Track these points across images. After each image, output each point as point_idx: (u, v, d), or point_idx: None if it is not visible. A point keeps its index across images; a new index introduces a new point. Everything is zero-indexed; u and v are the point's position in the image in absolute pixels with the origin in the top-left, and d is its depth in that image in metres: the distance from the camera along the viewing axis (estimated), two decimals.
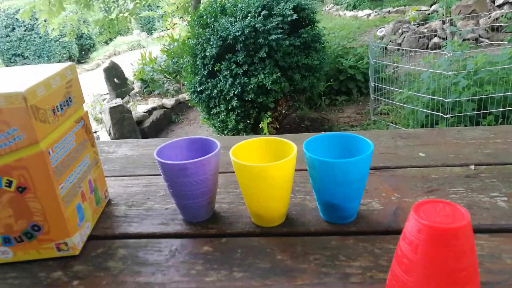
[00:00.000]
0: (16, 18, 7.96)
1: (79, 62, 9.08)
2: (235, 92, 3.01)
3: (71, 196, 0.55)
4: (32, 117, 0.48)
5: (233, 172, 0.74)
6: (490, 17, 5.12)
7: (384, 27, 6.14)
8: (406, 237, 0.39)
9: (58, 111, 0.54)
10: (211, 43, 3.04)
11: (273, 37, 2.94)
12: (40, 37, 8.43)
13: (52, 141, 0.52)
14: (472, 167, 0.71)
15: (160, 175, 0.77)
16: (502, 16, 5.05)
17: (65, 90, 0.57)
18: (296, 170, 0.59)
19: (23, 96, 0.47)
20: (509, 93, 2.68)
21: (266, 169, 0.54)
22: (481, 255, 0.50)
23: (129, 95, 5.10)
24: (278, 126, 3.42)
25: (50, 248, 0.54)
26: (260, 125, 3.17)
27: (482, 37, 4.84)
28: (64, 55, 8.76)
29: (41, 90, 0.50)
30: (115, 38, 10.04)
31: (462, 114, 2.77)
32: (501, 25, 4.91)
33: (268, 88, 3.01)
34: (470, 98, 2.75)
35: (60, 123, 0.54)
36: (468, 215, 0.37)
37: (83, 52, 9.46)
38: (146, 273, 0.52)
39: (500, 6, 5.52)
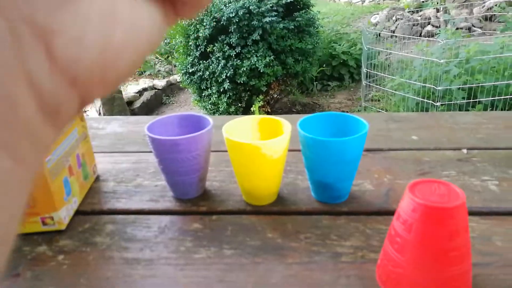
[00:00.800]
0: None
1: None
2: (227, 75, 2.98)
3: (58, 170, 0.53)
4: None
5: (225, 151, 0.73)
6: (484, 6, 5.12)
7: (378, 14, 6.11)
8: (400, 216, 0.39)
9: None
10: (204, 23, 2.99)
11: (267, 19, 2.90)
12: None
13: None
14: (465, 151, 0.71)
15: (150, 152, 0.75)
16: (495, 5, 5.06)
17: None
18: (288, 150, 0.58)
19: None
20: (499, 83, 2.70)
21: (259, 146, 0.53)
22: (472, 237, 0.50)
23: None
24: (269, 110, 3.41)
25: (35, 222, 0.53)
26: (252, 109, 3.15)
27: (475, 26, 4.85)
28: None
29: None
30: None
31: (452, 102, 2.79)
32: (494, 15, 4.91)
33: (261, 71, 2.98)
34: (460, 86, 2.76)
35: None
36: (463, 195, 0.37)
37: None
38: (134, 249, 0.51)
39: None
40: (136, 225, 0.55)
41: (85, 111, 4.14)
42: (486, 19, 4.95)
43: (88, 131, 0.66)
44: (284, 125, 0.58)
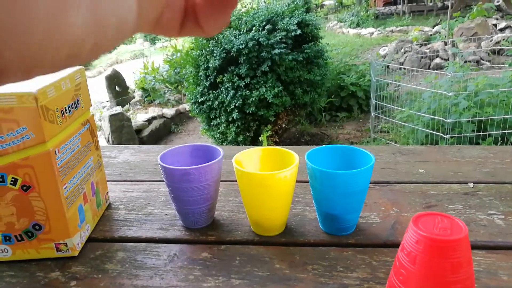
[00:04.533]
0: None
1: None
2: (236, 104, 3.03)
3: (74, 197, 0.55)
4: (42, 117, 0.49)
5: (235, 181, 0.75)
6: (491, 40, 5.18)
7: (386, 46, 6.21)
8: (405, 248, 0.40)
9: (66, 112, 0.55)
10: (214, 54, 3.07)
11: (276, 51, 2.97)
12: None
13: (59, 142, 0.52)
14: (471, 185, 0.71)
15: (161, 181, 0.77)
16: (503, 39, 5.12)
17: (74, 93, 0.58)
18: (296, 181, 0.60)
19: (34, 96, 0.48)
20: (509, 116, 2.70)
21: (268, 177, 0.54)
22: (478, 271, 0.50)
23: (129, 104, 5.12)
24: (277, 140, 3.44)
25: (49, 248, 0.55)
26: (260, 138, 3.18)
27: (483, 60, 4.89)
28: None
29: (51, 92, 0.51)
30: (118, 46, 10.10)
31: (462, 135, 2.79)
32: (502, 49, 4.96)
33: (269, 101, 3.03)
34: (470, 119, 2.77)
35: (68, 124, 0.55)
36: (466, 228, 0.38)
37: None
38: (144, 276, 0.52)
39: (502, 30, 5.60)
40: (147, 253, 0.57)
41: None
42: (494, 52, 5.00)
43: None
44: (293, 156, 0.59)
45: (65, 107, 0.54)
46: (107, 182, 0.77)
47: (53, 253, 0.55)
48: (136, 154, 0.91)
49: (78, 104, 0.59)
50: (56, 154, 0.51)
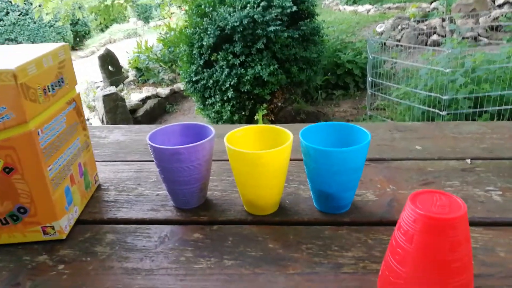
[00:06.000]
0: (10, 2, 7.83)
1: (73, 49, 8.94)
2: (231, 83, 2.99)
3: (60, 179, 0.54)
4: (22, 95, 0.46)
5: (227, 160, 0.73)
6: (490, 16, 5.12)
7: (383, 23, 6.12)
8: (401, 227, 0.38)
9: (49, 91, 0.52)
10: (208, 32, 3.01)
11: (272, 28, 2.92)
12: (35, 22, 8.30)
13: (42, 122, 0.50)
14: (468, 161, 0.70)
15: (152, 161, 0.75)
16: (502, 15, 5.05)
17: (57, 71, 0.55)
18: (290, 159, 0.58)
19: (13, 74, 0.45)
20: (505, 92, 2.69)
21: (261, 156, 0.53)
22: (475, 247, 0.49)
23: (123, 83, 5.05)
24: (273, 119, 3.41)
25: (36, 231, 0.53)
26: (255, 117, 3.16)
27: (481, 36, 4.84)
28: (58, 41, 8.64)
29: (32, 69, 0.49)
30: (111, 25, 9.91)
31: (458, 111, 2.78)
32: (500, 25, 4.90)
33: (265, 80, 2.99)
34: (467, 96, 2.75)
35: (51, 103, 0.53)
36: (464, 206, 0.36)
37: (77, 39, 9.32)
38: (134, 258, 0.51)
39: (500, 6, 5.51)
40: (137, 235, 0.55)
41: (88, 119, 4.17)
42: (492, 28, 4.94)
43: (90, 140, 0.66)
44: (287, 134, 0.58)
45: (48, 86, 0.52)
46: (97, 163, 0.75)
47: (40, 237, 0.54)
48: (126, 134, 0.88)
49: (63, 82, 0.56)
50: (39, 134, 0.49)
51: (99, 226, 0.58)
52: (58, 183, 0.53)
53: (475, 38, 4.80)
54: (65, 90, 0.57)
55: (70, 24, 8.52)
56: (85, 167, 0.63)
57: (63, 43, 0.58)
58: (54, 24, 8.25)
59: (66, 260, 0.51)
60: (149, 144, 0.57)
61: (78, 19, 8.67)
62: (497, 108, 2.72)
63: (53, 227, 0.53)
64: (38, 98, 0.50)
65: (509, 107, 2.70)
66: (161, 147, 0.55)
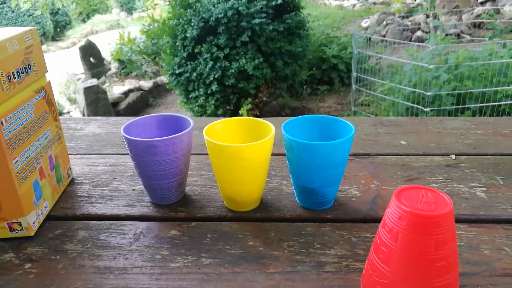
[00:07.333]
0: None
1: (53, 39, 8.73)
2: (215, 76, 2.95)
3: (27, 172, 0.50)
4: None
5: (207, 154, 0.70)
6: (472, 13, 5.17)
7: (369, 18, 6.14)
8: (386, 224, 0.37)
9: (14, 78, 0.49)
10: (192, 24, 2.96)
11: (257, 21, 2.88)
12: (13, 11, 8.08)
13: (6, 111, 0.47)
14: (453, 156, 0.69)
15: (129, 154, 0.72)
16: (484, 13, 5.11)
17: (24, 56, 0.52)
18: (273, 154, 0.56)
19: None
20: (487, 89, 2.71)
21: (241, 149, 0.50)
22: (459, 245, 0.48)
23: (105, 76, 4.95)
24: (258, 114, 3.39)
25: (1, 228, 0.50)
26: (240, 112, 3.13)
27: (464, 33, 4.89)
28: (38, 31, 8.42)
29: None
30: (93, 16, 9.70)
31: (442, 108, 2.80)
32: (482, 22, 4.96)
33: (250, 73, 2.96)
34: (450, 92, 2.77)
35: (17, 91, 0.49)
36: (451, 203, 0.35)
37: (58, 29, 9.08)
38: (107, 256, 0.48)
39: (482, 3, 5.58)
40: (111, 232, 0.53)
41: (69, 112, 4.08)
42: (475, 26, 5.00)
43: (64, 131, 0.62)
44: (269, 127, 0.55)
45: (13, 72, 0.49)
46: (71, 156, 0.72)
47: (6, 233, 0.50)
48: (103, 126, 0.85)
49: (30, 69, 0.53)
50: (2, 124, 0.46)
51: (70, 222, 0.55)
52: (26, 177, 0.50)
53: (458, 35, 4.85)
54: (33, 78, 0.54)
55: (50, 14, 8.31)
56: (57, 160, 0.59)
57: (31, 27, 0.55)
58: (33, 14, 8.03)
59: (33, 258, 0.48)
60: (123, 136, 0.54)
61: (58, 9, 8.47)
62: (478, 105, 2.75)
63: (20, 223, 0.50)
64: (2, 85, 0.46)
65: (490, 104, 2.73)
66: (136, 139, 0.52)
